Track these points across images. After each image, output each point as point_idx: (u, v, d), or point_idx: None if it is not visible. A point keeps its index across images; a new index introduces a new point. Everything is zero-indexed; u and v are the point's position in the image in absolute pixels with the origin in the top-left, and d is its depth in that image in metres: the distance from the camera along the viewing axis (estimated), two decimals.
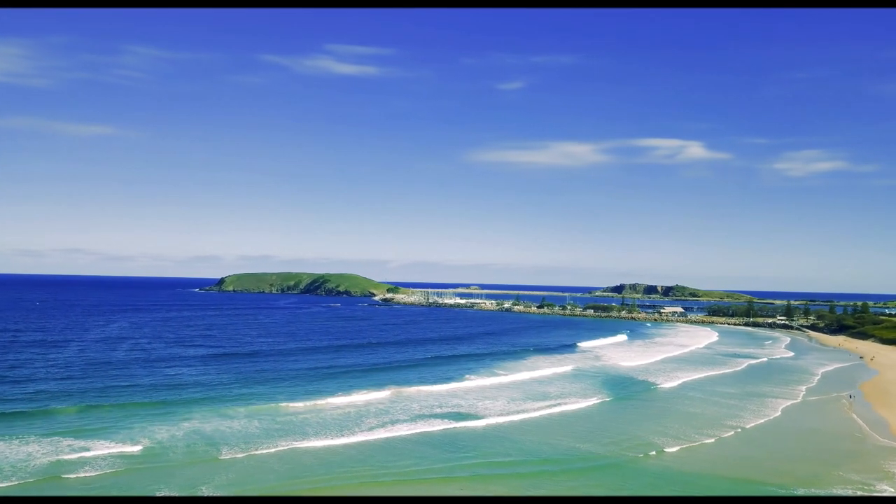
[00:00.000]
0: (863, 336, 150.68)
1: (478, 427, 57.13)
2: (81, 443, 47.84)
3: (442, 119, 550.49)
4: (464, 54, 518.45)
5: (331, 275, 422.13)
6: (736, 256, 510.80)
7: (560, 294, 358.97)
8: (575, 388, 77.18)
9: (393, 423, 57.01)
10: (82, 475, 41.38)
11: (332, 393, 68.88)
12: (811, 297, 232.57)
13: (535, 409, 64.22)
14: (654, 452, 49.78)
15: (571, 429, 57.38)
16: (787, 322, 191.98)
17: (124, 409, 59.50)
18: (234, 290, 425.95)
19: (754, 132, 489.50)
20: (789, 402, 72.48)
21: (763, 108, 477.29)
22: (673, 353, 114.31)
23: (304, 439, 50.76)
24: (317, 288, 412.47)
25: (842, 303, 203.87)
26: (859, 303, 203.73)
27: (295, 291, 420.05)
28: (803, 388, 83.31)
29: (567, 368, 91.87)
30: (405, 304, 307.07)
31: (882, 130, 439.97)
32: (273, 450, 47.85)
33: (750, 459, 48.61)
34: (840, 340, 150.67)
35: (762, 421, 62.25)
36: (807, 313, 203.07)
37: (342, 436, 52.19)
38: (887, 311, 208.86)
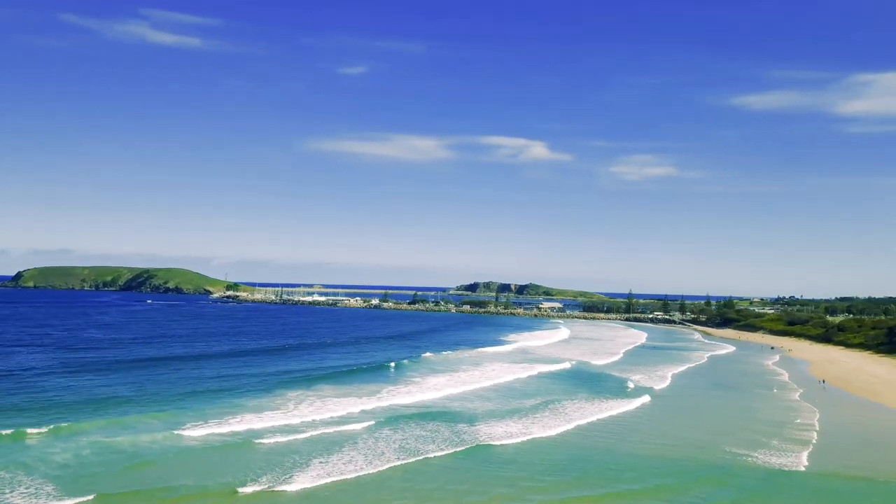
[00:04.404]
0: (751, 328, 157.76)
1: (523, 442, 43.22)
2: None
3: (275, 102, 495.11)
4: (302, 32, 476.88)
5: (157, 270, 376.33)
6: (581, 258, 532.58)
7: (415, 293, 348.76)
8: (582, 391, 65.01)
9: (392, 443, 41.25)
10: None
11: (277, 406, 50.68)
12: (659, 298, 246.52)
13: (577, 418, 51.85)
14: (800, 468, 39.53)
15: (648, 437, 45.69)
16: (667, 317, 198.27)
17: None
18: (35, 286, 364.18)
19: (594, 135, 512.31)
20: (797, 394, 68.06)
21: (603, 111, 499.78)
22: (625, 348, 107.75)
23: (281, 476, 33.62)
24: (141, 284, 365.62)
25: (714, 302, 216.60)
26: (723, 301, 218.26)
27: (113, 288, 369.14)
28: (784, 378, 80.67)
29: (557, 368, 79.95)
30: (256, 301, 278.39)
31: (707, 139, 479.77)
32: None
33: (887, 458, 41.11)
34: (735, 333, 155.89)
35: (818, 415, 55.78)
36: (682, 309, 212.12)
37: (336, 463, 36.19)
38: (753, 308, 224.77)
